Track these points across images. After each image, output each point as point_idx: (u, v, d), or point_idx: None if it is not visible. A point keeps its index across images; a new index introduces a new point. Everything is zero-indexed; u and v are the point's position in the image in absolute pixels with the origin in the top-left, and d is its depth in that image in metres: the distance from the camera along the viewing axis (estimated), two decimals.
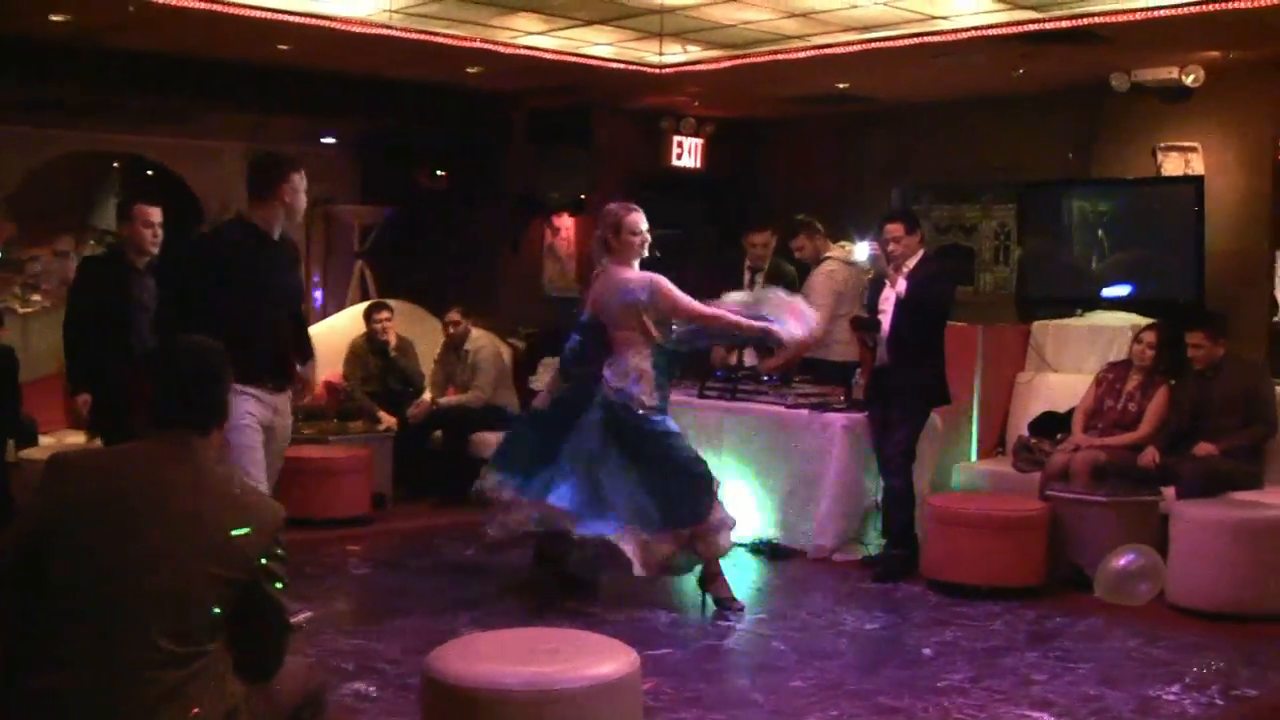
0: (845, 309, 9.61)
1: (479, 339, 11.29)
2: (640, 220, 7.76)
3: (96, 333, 8.12)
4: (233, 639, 3.55)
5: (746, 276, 10.03)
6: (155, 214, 8.33)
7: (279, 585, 3.60)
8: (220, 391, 3.74)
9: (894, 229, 8.59)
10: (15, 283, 13.85)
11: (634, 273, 7.71)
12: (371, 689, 6.11)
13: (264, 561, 3.52)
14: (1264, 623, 7.49)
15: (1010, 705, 6.06)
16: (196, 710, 3.38)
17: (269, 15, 9.38)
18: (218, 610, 3.45)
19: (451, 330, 11.23)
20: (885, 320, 8.57)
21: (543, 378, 11.61)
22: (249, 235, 6.73)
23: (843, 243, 10.06)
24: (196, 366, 3.73)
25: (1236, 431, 8.66)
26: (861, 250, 9.70)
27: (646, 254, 7.82)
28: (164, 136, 13.54)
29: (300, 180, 6.84)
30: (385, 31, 9.85)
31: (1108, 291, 10.79)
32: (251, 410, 6.47)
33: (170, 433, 3.61)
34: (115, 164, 15.25)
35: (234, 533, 3.47)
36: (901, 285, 8.38)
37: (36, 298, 13.91)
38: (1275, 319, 10.51)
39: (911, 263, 8.53)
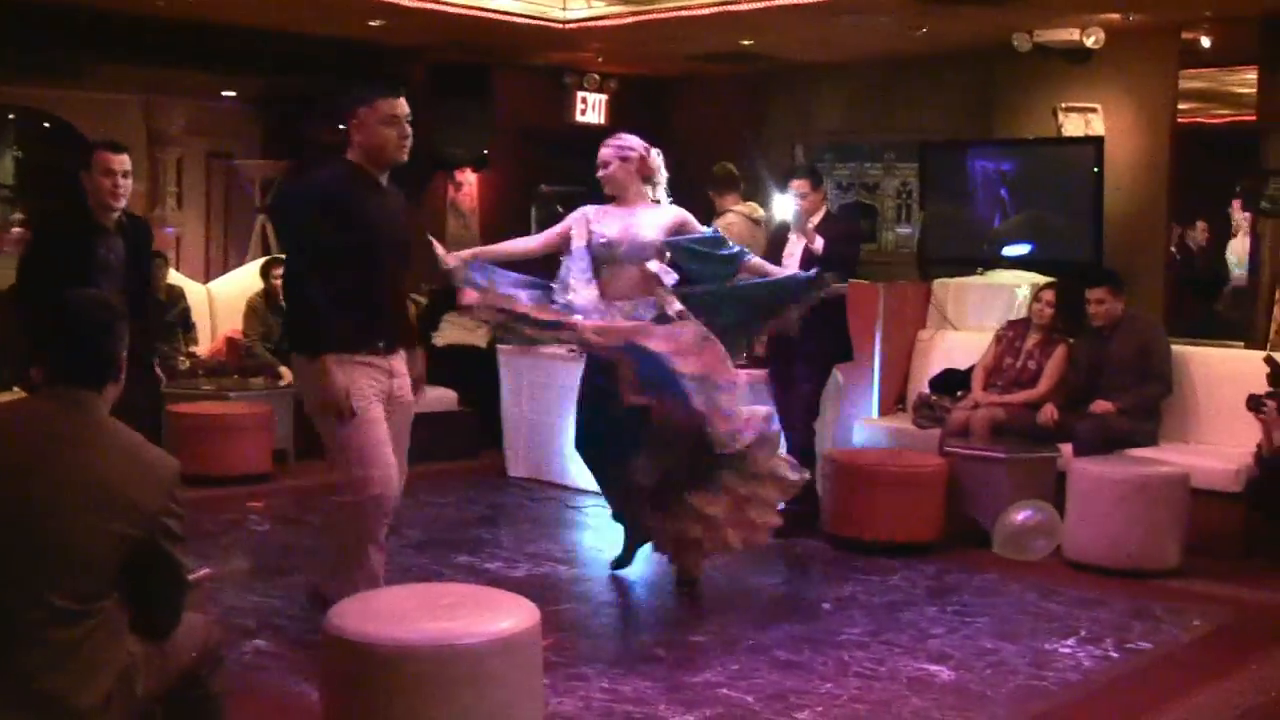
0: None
1: None
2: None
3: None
4: (129, 596, 3.52)
5: None
6: (118, 161, 7.18)
7: (176, 541, 3.55)
8: (112, 345, 3.64)
9: (800, 185, 8.62)
10: None
11: None
12: (272, 646, 6.09)
13: (160, 518, 3.48)
14: (1157, 578, 7.62)
15: (908, 659, 6.12)
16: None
17: None
18: (112, 566, 3.41)
19: None
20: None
21: (445, 333, 11.57)
22: (356, 179, 6.09)
23: (751, 203, 10.03)
24: (87, 321, 3.64)
25: (1133, 389, 8.77)
26: (785, 206, 9.51)
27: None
28: (59, 89, 13.31)
29: (372, 113, 6.07)
30: None
31: (1009, 250, 10.87)
32: (371, 380, 5.90)
33: (62, 389, 3.55)
34: (10, 116, 14.99)
35: (128, 488, 3.43)
36: (820, 243, 8.35)
37: None
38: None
39: (816, 219, 8.55)
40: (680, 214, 7.22)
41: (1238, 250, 11.91)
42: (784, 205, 9.24)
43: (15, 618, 3.31)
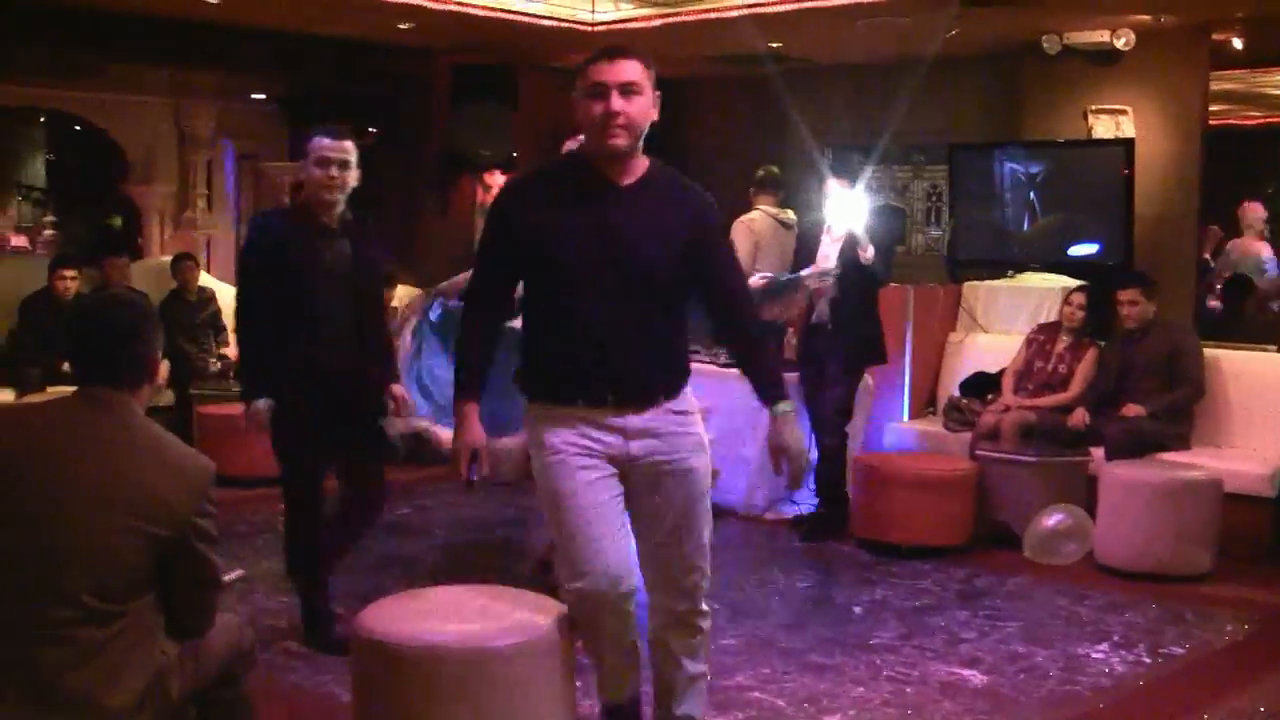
0: (765, 266, 9.56)
1: (405, 297, 11.21)
2: None
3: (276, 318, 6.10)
4: (163, 597, 3.52)
5: None
6: (336, 149, 6.17)
7: (209, 542, 3.56)
8: (138, 347, 3.64)
9: (836, 185, 8.62)
10: None
11: None
12: (303, 647, 6.09)
13: (193, 518, 3.48)
14: (1189, 582, 7.58)
15: (939, 663, 6.10)
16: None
17: None
18: (143, 567, 3.41)
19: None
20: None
21: None
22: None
23: (787, 209, 9.97)
24: (113, 324, 3.64)
25: (1163, 393, 8.72)
26: (839, 208, 9.18)
27: None
28: (88, 91, 13.37)
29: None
30: None
31: (1075, 250, 10.73)
32: (574, 440, 4.41)
33: (96, 389, 3.55)
34: (41, 119, 15.09)
35: (160, 489, 3.43)
36: (870, 252, 8.31)
37: None
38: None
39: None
40: None
41: (1241, 249, 11.88)
42: (836, 205, 8.93)
43: (46, 616, 3.31)
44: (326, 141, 6.14)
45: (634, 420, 4.39)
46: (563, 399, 4.39)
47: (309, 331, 5.99)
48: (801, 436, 4.78)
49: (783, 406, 4.64)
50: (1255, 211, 11.73)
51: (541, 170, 4.66)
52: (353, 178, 6.18)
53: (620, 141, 4.34)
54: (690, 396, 4.66)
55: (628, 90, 4.34)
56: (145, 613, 3.47)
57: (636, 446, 4.42)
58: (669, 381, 4.53)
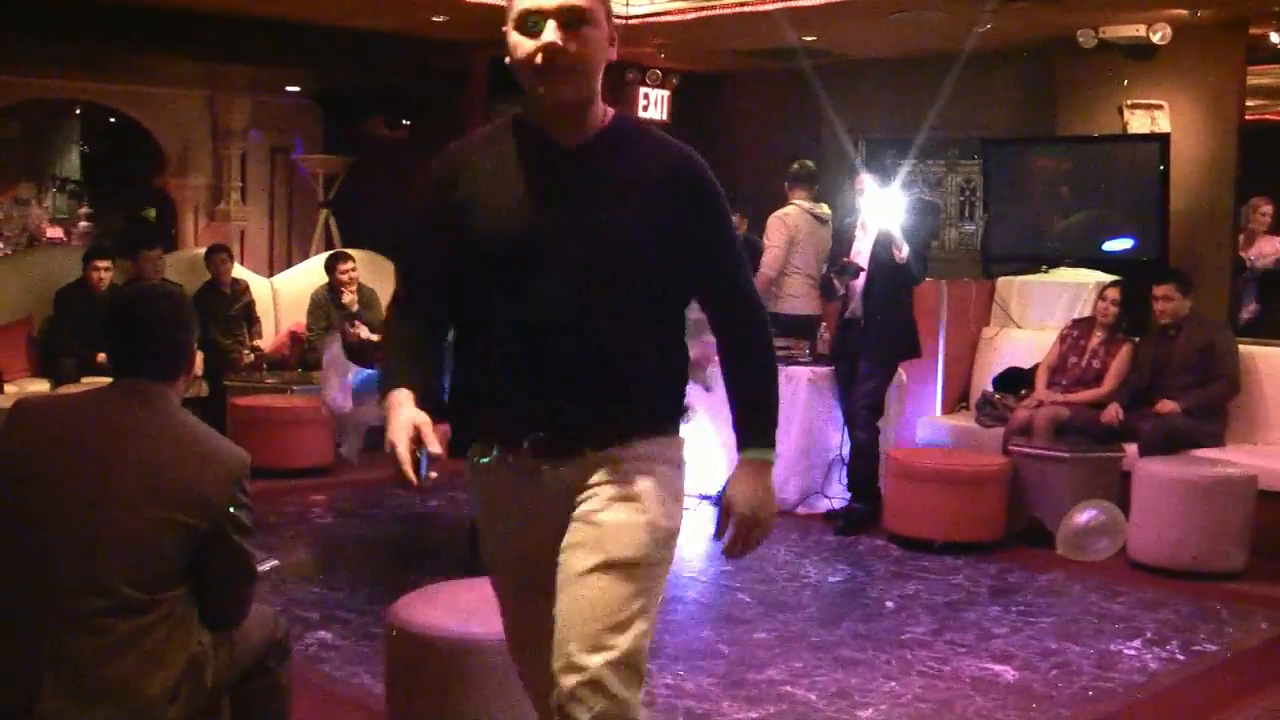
0: (799, 260, 9.59)
1: None
2: None
3: None
4: (198, 587, 3.54)
5: None
6: None
7: (244, 534, 3.58)
8: (183, 339, 3.69)
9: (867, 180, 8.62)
10: None
11: None
12: (336, 638, 6.12)
13: (229, 509, 3.50)
14: (1222, 580, 7.55)
15: (972, 658, 6.09)
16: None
17: None
18: (179, 558, 3.43)
19: None
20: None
21: None
22: None
23: (820, 203, 9.96)
24: (156, 315, 3.68)
25: (1198, 389, 8.69)
26: (877, 206, 9.15)
27: None
28: (123, 84, 13.43)
29: None
30: None
31: (1110, 245, 10.67)
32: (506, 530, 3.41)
33: (132, 380, 3.58)
34: (77, 111, 15.15)
35: (196, 480, 3.45)
36: (905, 252, 8.31)
37: None
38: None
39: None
40: None
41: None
42: (869, 200, 8.88)
43: (83, 607, 3.33)
44: None
45: (587, 475, 3.20)
46: (491, 442, 3.32)
47: None
48: (763, 498, 3.34)
49: (753, 453, 3.35)
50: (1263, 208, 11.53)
51: (482, 131, 3.59)
52: None
53: (565, 90, 3.18)
54: (678, 445, 3.43)
55: (573, 20, 3.14)
56: (180, 603, 3.48)
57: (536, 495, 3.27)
58: (641, 419, 3.26)
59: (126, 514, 3.36)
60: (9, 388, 9.85)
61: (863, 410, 8.56)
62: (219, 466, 3.53)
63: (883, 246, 8.38)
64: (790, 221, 9.65)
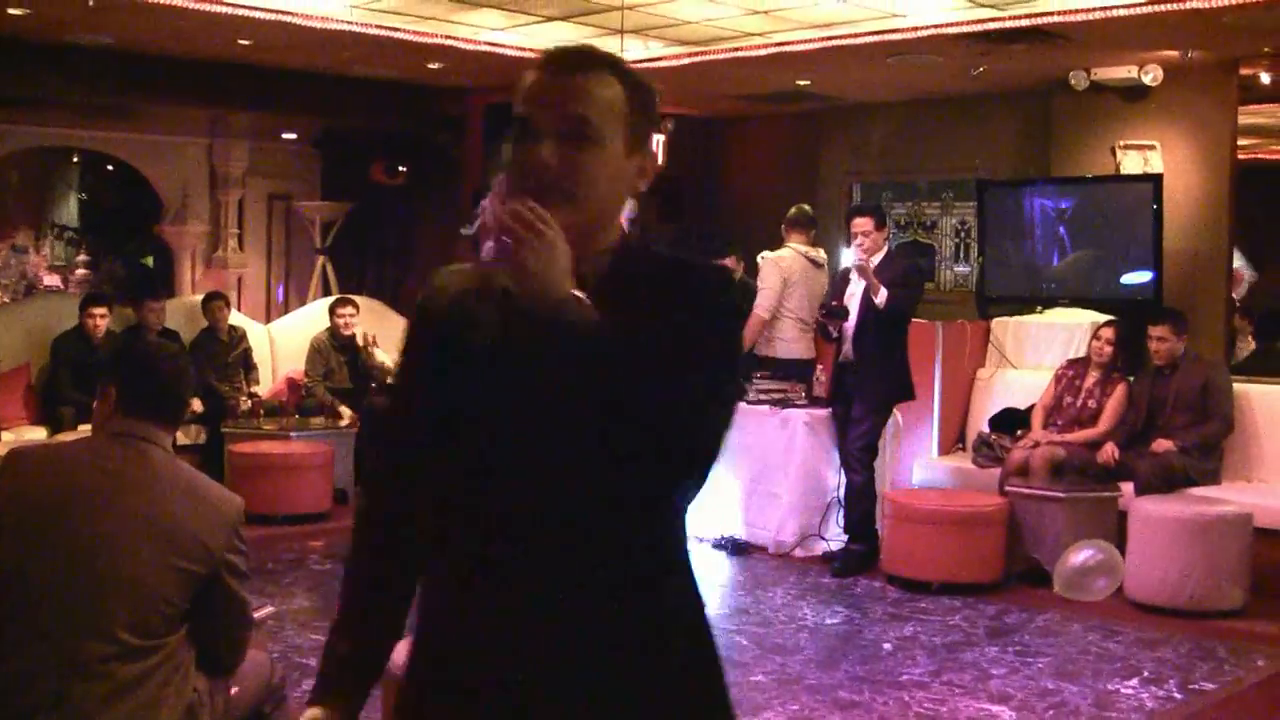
0: (793, 304, 9.58)
1: None
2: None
3: None
4: (194, 633, 3.55)
5: None
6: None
7: (241, 578, 3.60)
8: (185, 388, 3.75)
9: (863, 223, 8.62)
10: None
11: None
12: None
13: (225, 554, 3.52)
14: (1220, 618, 7.56)
15: (970, 699, 6.09)
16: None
17: (230, 10, 9.34)
18: (179, 603, 3.45)
19: None
20: (852, 315, 8.62)
21: None
22: None
23: (818, 248, 9.99)
24: (175, 362, 3.76)
25: (1193, 428, 8.71)
26: (845, 257, 9.56)
27: None
28: (123, 131, 13.49)
29: None
30: (347, 27, 9.82)
31: (1128, 279, 10.64)
32: None
33: (132, 426, 3.59)
34: (75, 159, 15.21)
35: (193, 525, 3.47)
36: (883, 295, 8.37)
37: None
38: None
39: (877, 259, 8.56)
40: None
41: None
42: (847, 255, 9.14)
43: (82, 652, 3.34)
44: None
45: None
46: None
47: None
48: None
49: None
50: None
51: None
52: None
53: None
54: None
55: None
56: (179, 649, 3.50)
57: None
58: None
59: (127, 560, 3.38)
60: (6, 435, 9.87)
61: (857, 452, 8.58)
62: (216, 513, 3.56)
63: (871, 289, 8.43)
64: (784, 264, 9.67)
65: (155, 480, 3.52)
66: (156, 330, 10.61)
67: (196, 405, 10.07)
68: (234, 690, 3.79)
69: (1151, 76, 10.36)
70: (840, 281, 8.92)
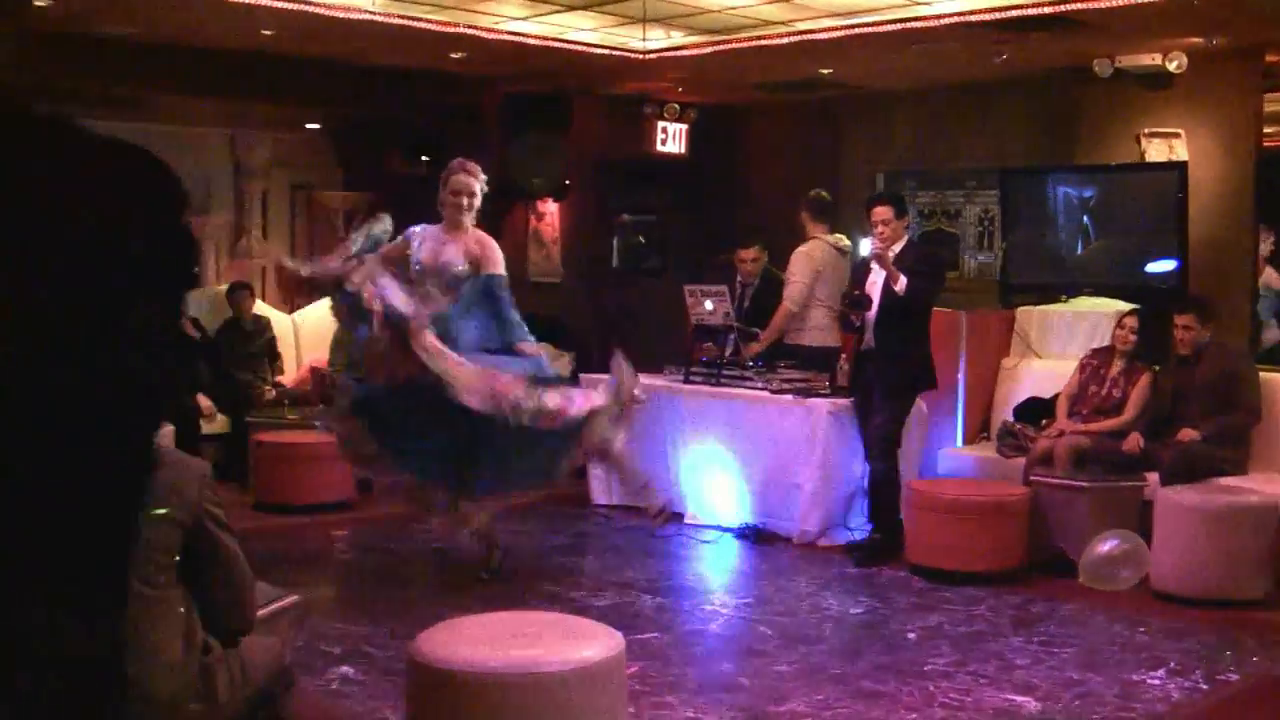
0: (824, 293, 9.63)
1: None
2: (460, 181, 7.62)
3: None
4: (196, 593, 3.74)
5: (738, 291, 10.09)
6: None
7: (224, 530, 3.80)
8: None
9: (882, 211, 8.60)
10: None
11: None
12: (358, 673, 6.13)
13: (203, 504, 3.72)
14: (1246, 608, 7.52)
15: (994, 689, 6.07)
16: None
17: (253, 1, 9.35)
18: (171, 550, 3.65)
19: None
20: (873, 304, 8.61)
21: None
22: None
23: (838, 234, 10.01)
24: None
25: (1218, 417, 8.68)
26: (864, 246, 9.63)
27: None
28: (146, 123, 13.50)
29: None
30: (370, 17, 9.82)
31: (1152, 267, 10.60)
32: None
33: None
34: None
35: (170, 479, 3.67)
36: (903, 283, 8.36)
37: None
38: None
39: (897, 248, 8.54)
40: (485, 243, 7.57)
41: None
42: (864, 245, 9.22)
43: None
44: None
45: None
46: None
47: None
48: None
49: None
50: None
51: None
52: None
53: None
54: None
55: None
56: (180, 602, 3.68)
57: None
58: None
59: None
60: None
61: (879, 441, 8.57)
62: (184, 465, 3.81)
63: (891, 277, 8.42)
64: (815, 256, 9.70)
65: None
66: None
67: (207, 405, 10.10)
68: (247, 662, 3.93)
69: (1176, 64, 10.32)
70: (861, 271, 8.91)
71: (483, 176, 7.63)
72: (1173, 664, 6.50)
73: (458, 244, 7.51)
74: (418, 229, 7.55)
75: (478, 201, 7.59)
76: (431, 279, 7.35)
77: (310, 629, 6.66)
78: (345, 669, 6.17)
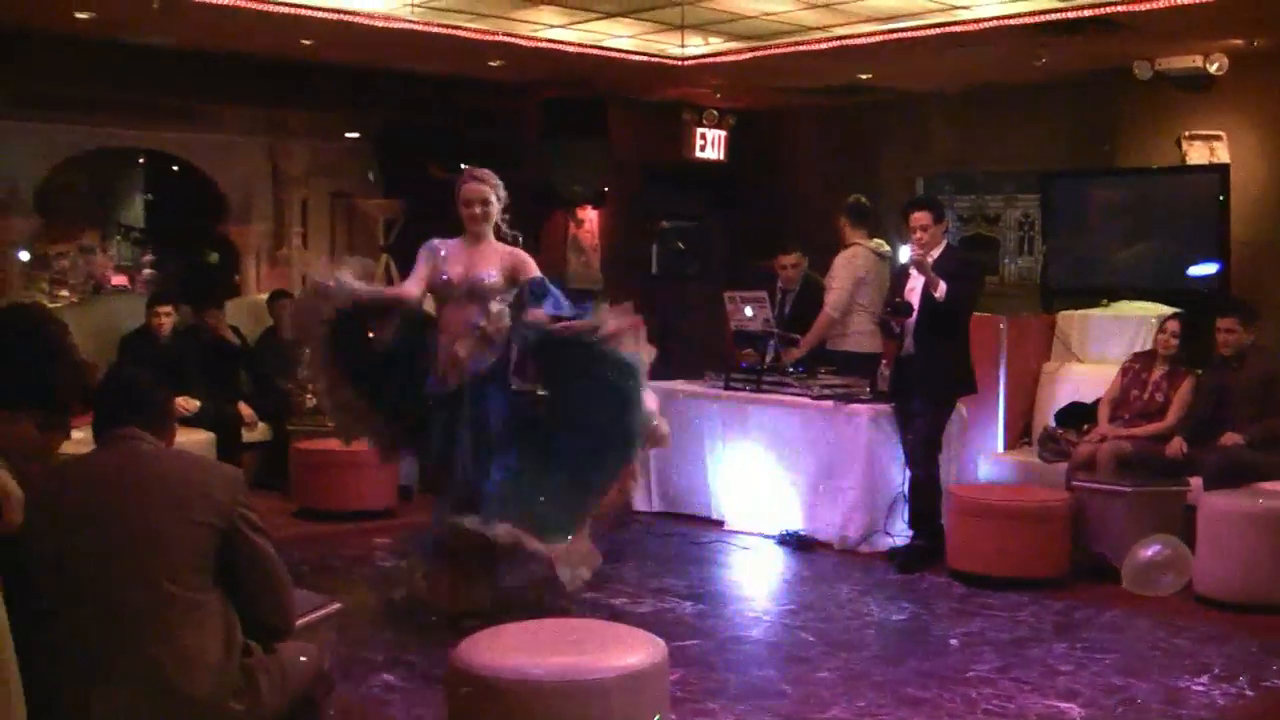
0: (866, 299, 9.63)
1: None
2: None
3: None
4: (234, 597, 3.79)
5: (778, 297, 10.09)
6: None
7: (259, 533, 3.84)
8: (162, 398, 4.12)
9: (920, 217, 8.56)
10: (43, 279, 13.91)
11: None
12: (399, 680, 6.14)
13: (237, 508, 3.78)
14: None
15: (1037, 696, 6.04)
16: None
17: (292, 10, 9.40)
18: (208, 555, 3.71)
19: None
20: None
21: None
22: None
23: (878, 240, 10.01)
24: (136, 373, 4.23)
25: (1261, 421, 8.62)
26: (903, 253, 9.61)
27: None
28: (186, 132, 13.58)
29: None
30: (409, 25, 9.86)
31: (1194, 270, 10.56)
32: None
33: (122, 430, 3.89)
34: (140, 160, 15.31)
35: (203, 485, 3.77)
36: (942, 289, 8.33)
37: (64, 293, 13.99)
38: None
39: (935, 253, 8.51)
40: (517, 254, 7.26)
41: None
42: (904, 252, 9.22)
43: (129, 604, 3.61)
44: None
45: None
46: None
47: None
48: None
49: None
50: None
51: None
52: None
53: None
54: None
55: None
56: (219, 605, 3.73)
57: None
58: None
59: (154, 518, 3.68)
60: (76, 434, 9.94)
61: (919, 447, 8.55)
62: (218, 471, 3.95)
63: (930, 283, 8.39)
64: (857, 262, 9.71)
65: (163, 457, 3.90)
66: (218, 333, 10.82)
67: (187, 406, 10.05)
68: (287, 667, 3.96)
69: (1217, 66, 10.28)
70: (900, 277, 8.88)
71: (497, 183, 7.31)
72: (1217, 670, 6.46)
73: (486, 256, 7.25)
74: (436, 241, 7.40)
75: (494, 210, 7.24)
76: (463, 294, 7.17)
77: (351, 636, 6.68)
78: (387, 676, 6.18)
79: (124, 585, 3.60)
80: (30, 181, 12.81)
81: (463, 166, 7.33)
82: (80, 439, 8.06)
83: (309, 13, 9.47)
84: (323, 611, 4.94)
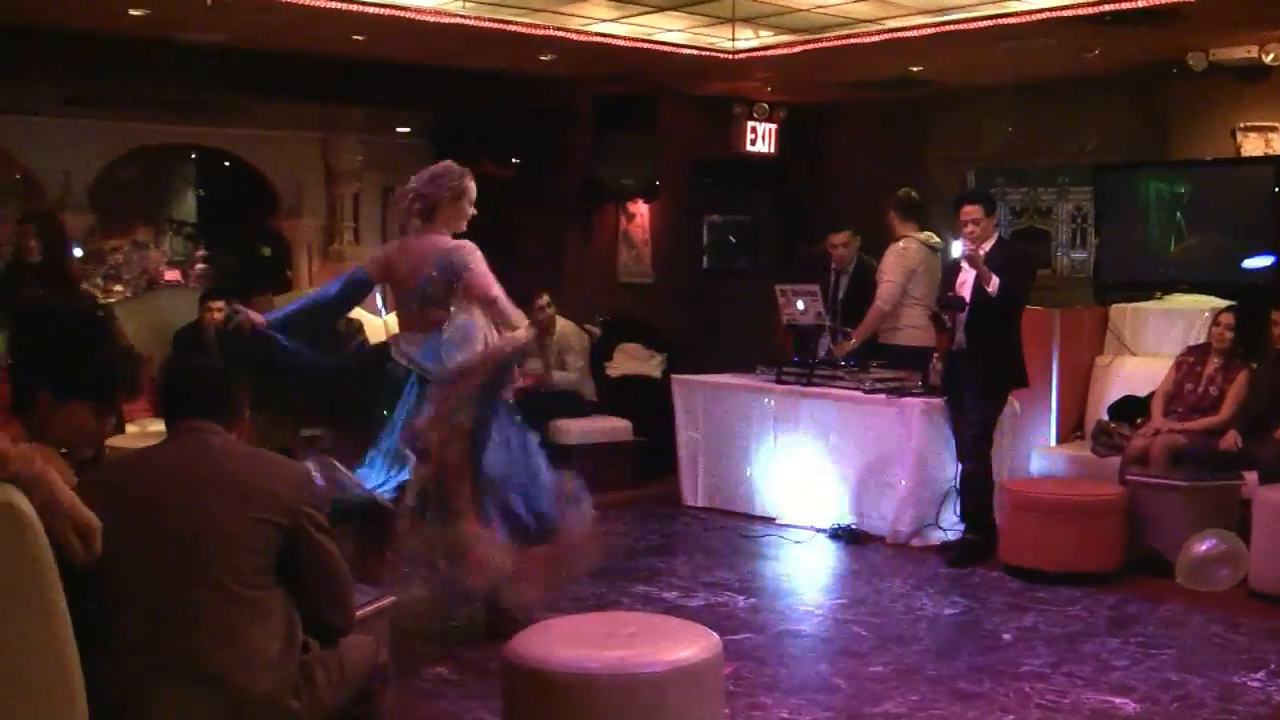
0: (918, 292, 9.61)
1: (562, 325, 11.27)
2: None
3: None
4: (296, 594, 3.79)
5: (831, 278, 10.09)
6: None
7: (324, 533, 3.85)
8: (232, 390, 4.10)
9: (971, 210, 8.53)
10: (97, 274, 14.02)
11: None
12: (452, 673, 6.17)
13: (302, 506, 3.78)
14: None
15: (1091, 691, 6.02)
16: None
17: (344, 6, 9.42)
18: (269, 553, 3.70)
19: (540, 315, 11.16)
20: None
21: (618, 364, 11.68)
22: None
23: (928, 232, 9.99)
24: (205, 364, 4.31)
25: None
26: (955, 248, 9.59)
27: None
28: (238, 128, 13.66)
29: None
30: (460, 20, 9.88)
31: (1249, 263, 10.47)
32: None
33: (191, 421, 3.88)
34: (193, 155, 15.41)
35: (268, 483, 3.75)
36: (995, 284, 8.30)
37: (118, 288, 14.10)
38: None
39: (987, 246, 8.48)
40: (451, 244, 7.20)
41: None
42: (956, 246, 9.22)
43: (191, 601, 3.60)
44: None
45: None
46: None
47: None
48: None
49: None
50: None
51: None
52: None
53: None
54: None
55: None
56: (279, 603, 3.73)
57: None
58: None
59: (209, 520, 3.65)
60: (131, 427, 10.01)
61: (971, 441, 8.53)
62: (284, 468, 3.89)
63: (982, 276, 8.36)
64: (910, 255, 9.68)
65: (228, 453, 3.85)
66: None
67: None
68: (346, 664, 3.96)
69: (1272, 56, 10.20)
70: (952, 271, 8.85)
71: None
72: (1273, 665, 6.42)
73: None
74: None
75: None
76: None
77: (405, 629, 6.71)
78: (440, 669, 6.22)
79: (185, 582, 3.60)
80: (84, 178, 12.93)
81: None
82: (134, 433, 8.14)
83: (360, 8, 9.49)
84: (378, 604, 4.97)
